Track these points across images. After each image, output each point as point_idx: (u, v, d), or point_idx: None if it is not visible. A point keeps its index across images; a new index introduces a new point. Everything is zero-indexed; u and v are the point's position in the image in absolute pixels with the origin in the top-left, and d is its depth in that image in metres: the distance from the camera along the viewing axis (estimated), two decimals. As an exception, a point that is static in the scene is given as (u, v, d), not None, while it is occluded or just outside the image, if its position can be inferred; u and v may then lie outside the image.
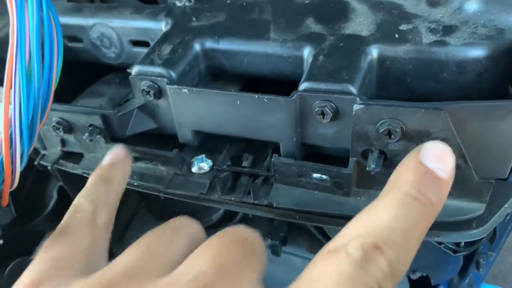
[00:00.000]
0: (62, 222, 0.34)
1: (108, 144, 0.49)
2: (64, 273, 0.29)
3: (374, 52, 0.42)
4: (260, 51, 0.46)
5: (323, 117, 0.39)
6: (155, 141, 0.51)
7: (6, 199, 0.34)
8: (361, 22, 0.45)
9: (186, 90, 0.44)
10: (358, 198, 0.42)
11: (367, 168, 0.38)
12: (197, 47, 0.48)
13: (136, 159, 0.49)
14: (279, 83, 0.47)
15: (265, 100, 0.41)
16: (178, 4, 0.53)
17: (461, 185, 0.38)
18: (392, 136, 0.37)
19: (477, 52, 0.40)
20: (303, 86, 0.40)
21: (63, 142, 0.53)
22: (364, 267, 0.24)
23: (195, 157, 0.49)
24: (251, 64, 0.48)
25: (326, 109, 0.38)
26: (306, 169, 0.42)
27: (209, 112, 0.44)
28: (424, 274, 0.63)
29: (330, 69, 0.40)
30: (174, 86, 0.44)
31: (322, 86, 0.39)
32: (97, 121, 0.48)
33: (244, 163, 0.47)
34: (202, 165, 0.48)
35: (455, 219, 0.39)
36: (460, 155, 0.37)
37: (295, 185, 0.44)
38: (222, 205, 0.47)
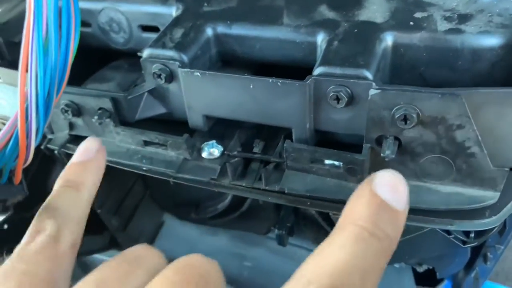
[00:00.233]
0: (19, 246, 0.29)
1: (117, 128, 0.49)
2: None
3: (388, 39, 0.42)
4: (273, 37, 0.46)
5: (338, 102, 0.39)
6: (165, 127, 0.51)
7: (19, 177, 0.34)
8: (375, 9, 0.45)
9: (198, 74, 0.43)
10: (371, 185, 0.42)
11: (382, 155, 0.38)
12: (209, 31, 0.48)
13: (145, 143, 0.49)
14: (290, 72, 0.46)
15: (279, 84, 0.40)
16: (189, -11, 0.53)
17: (475, 173, 0.38)
18: (408, 122, 0.36)
19: (493, 41, 0.40)
20: (318, 70, 0.39)
21: (71, 126, 0.53)
22: None
23: (205, 143, 0.48)
24: (263, 50, 0.47)
25: (341, 93, 0.38)
26: (319, 155, 0.41)
27: (221, 97, 0.44)
28: (430, 267, 0.63)
29: (345, 54, 0.40)
30: (186, 70, 0.44)
31: (337, 70, 0.39)
32: (107, 104, 0.48)
33: (255, 149, 0.47)
34: (212, 150, 0.48)
35: (468, 207, 0.39)
36: (475, 142, 0.36)
37: (307, 171, 0.43)
38: (233, 190, 0.46)
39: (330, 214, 0.58)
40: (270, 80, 0.41)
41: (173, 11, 0.52)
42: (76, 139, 0.54)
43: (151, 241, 0.85)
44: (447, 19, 0.42)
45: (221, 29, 0.48)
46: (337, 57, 0.40)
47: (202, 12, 0.50)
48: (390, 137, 0.38)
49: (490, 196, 0.39)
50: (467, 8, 0.42)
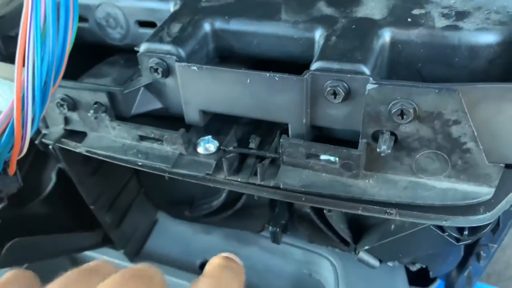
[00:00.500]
0: None
1: (113, 122, 0.48)
2: None
3: (386, 35, 0.42)
4: (271, 32, 0.46)
5: (335, 97, 0.39)
6: (160, 122, 0.50)
7: (13, 168, 0.33)
8: (373, 6, 0.45)
9: (195, 68, 0.43)
10: (366, 181, 0.42)
11: (378, 149, 0.38)
12: (206, 27, 0.48)
13: (141, 138, 0.49)
14: (287, 68, 0.46)
15: (277, 79, 0.40)
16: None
17: (470, 168, 0.38)
18: (405, 117, 0.36)
19: (490, 38, 0.40)
20: (315, 65, 0.39)
21: (66, 120, 0.52)
22: None
23: (201, 138, 0.48)
24: (261, 46, 0.47)
25: (338, 88, 0.38)
26: (315, 149, 0.41)
27: (218, 91, 0.44)
28: (424, 266, 0.63)
29: (343, 50, 0.40)
30: (183, 64, 0.44)
31: (335, 65, 0.39)
32: (103, 98, 0.48)
33: (251, 145, 0.47)
34: (208, 145, 0.47)
35: (463, 203, 0.39)
36: (471, 138, 0.36)
37: (303, 166, 0.43)
38: (228, 185, 0.46)
39: (324, 211, 0.58)
40: (268, 75, 0.41)
41: (171, 6, 0.52)
42: (71, 134, 0.54)
43: (144, 239, 0.85)
44: (445, 16, 0.42)
45: (219, 24, 0.48)
46: (334, 52, 0.40)
47: (200, 7, 0.50)
48: (386, 132, 0.38)
49: (485, 192, 0.39)
50: (465, 5, 0.42)
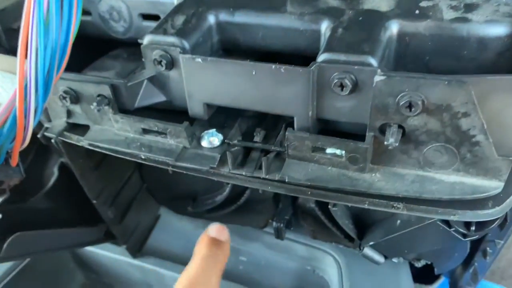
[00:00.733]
0: None
1: (116, 115, 0.48)
2: None
3: (393, 27, 0.41)
4: (276, 24, 0.45)
5: (342, 89, 0.38)
6: (164, 116, 0.50)
7: (16, 158, 0.33)
8: (380, -2, 0.44)
9: (200, 60, 0.43)
10: (373, 175, 0.41)
11: (385, 142, 0.37)
12: (211, 19, 0.47)
13: (144, 131, 0.48)
14: (292, 61, 0.46)
15: (282, 71, 0.40)
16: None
17: (480, 162, 0.38)
18: (413, 109, 0.36)
19: (500, 30, 0.39)
20: (322, 57, 0.39)
21: (69, 113, 0.52)
22: None
23: (205, 131, 0.48)
24: (266, 38, 0.47)
25: (346, 80, 0.38)
26: (321, 143, 0.41)
27: (223, 84, 0.43)
28: (429, 263, 0.63)
29: (349, 42, 0.39)
30: (187, 56, 0.43)
31: (342, 57, 0.38)
32: (106, 91, 0.47)
33: (256, 138, 0.46)
34: (212, 139, 0.47)
35: (471, 197, 0.38)
36: (481, 131, 0.36)
37: (308, 160, 0.43)
38: (232, 179, 0.46)
39: (329, 206, 0.58)
40: (273, 66, 0.40)
41: (175, -2, 0.51)
42: (74, 128, 0.53)
43: (147, 234, 0.85)
44: (453, 8, 0.41)
45: (224, 16, 0.47)
46: (341, 44, 0.39)
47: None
48: (394, 125, 0.38)
49: (494, 186, 0.38)
50: (473, -2, 0.42)
